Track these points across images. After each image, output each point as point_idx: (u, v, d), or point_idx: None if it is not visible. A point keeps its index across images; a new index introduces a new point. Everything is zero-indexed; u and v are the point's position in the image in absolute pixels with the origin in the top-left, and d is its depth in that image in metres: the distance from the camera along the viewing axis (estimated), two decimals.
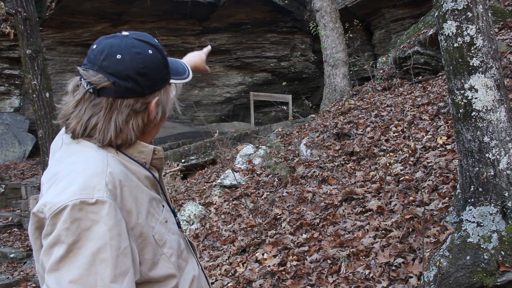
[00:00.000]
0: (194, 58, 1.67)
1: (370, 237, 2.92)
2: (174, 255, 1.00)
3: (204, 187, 5.78)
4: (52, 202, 0.84)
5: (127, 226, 0.89)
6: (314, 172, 4.43)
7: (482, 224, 2.23)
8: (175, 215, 1.13)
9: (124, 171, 0.94)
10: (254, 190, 4.75)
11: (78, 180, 0.87)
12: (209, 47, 1.76)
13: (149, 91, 0.97)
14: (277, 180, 4.75)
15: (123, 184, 0.91)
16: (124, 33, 0.99)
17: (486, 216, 2.25)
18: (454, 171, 3.22)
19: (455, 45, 2.34)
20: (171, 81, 1.04)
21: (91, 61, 0.95)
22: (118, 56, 0.93)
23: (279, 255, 3.19)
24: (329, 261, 2.87)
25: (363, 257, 2.76)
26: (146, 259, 0.94)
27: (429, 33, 6.16)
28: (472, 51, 2.30)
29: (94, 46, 0.97)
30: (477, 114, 2.32)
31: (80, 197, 0.84)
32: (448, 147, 3.68)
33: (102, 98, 0.93)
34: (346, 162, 4.49)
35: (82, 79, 0.95)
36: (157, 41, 1.02)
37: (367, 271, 2.60)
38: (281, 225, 3.70)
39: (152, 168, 1.04)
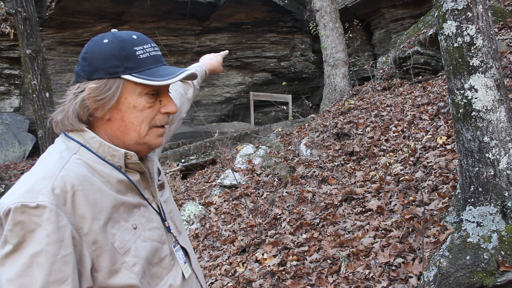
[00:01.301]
0: (211, 60, 1.67)
1: (370, 237, 2.92)
2: (140, 264, 0.96)
3: (204, 187, 5.78)
4: (2, 203, 0.86)
5: (79, 232, 0.87)
6: (314, 172, 4.43)
7: (482, 224, 2.23)
8: (164, 220, 1.09)
9: (85, 174, 0.92)
10: (254, 190, 4.75)
11: (26, 183, 0.88)
12: (226, 51, 1.79)
13: (87, 77, 0.97)
14: (277, 180, 4.75)
15: (77, 188, 0.89)
16: (113, 30, 1.03)
17: (486, 216, 2.25)
18: (454, 171, 3.22)
19: (455, 45, 2.34)
20: (127, 77, 0.96)
21: None
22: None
23: (279, 255, 3.19)
24: (329, 261, 2.87)
25: (363, 257, 2.76)
26: (103, 267, 0.91)
27: (429, 33, 6.16)
28: (472, 51, 2.30)
29: None
30: (477, 114, 2.32)
31: (22, 201, 0.84)
32: (448, 147, 3.68)
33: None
34: (346, 162, 4.49)
35: None
36: (133, 37, 0.99)
37: (367, 271, 2.60)
38: (281, 225, 3.70)
39: (131, 171, 1.01)
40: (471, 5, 2.29)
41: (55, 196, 0.86)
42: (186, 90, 1.54)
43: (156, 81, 0.96)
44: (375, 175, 3.86)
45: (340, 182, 4.06)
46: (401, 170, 3.72)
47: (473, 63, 2.30)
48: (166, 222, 1.10)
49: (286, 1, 12.93)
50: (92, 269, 0.90)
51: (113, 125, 0.99)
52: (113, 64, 0.96)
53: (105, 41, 0.97)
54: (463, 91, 2.35)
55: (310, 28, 9.74)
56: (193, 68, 1.62)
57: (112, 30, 1.02)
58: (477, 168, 2.34)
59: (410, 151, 3.93)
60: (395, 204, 3.22)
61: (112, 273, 0.92)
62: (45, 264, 0.82)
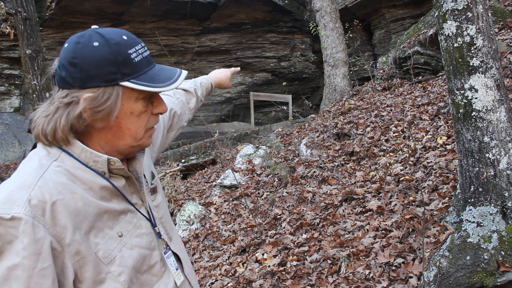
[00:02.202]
0: (219, 74, 1.66)
1: (370, 237, 2.92)
2: (126, 274, 0.92)
3: (204, 187, 5.78)
4: None
5: (61, 243, 0.84)
6: (314, 172, 4.43)
7: (482, 224, 2.23)
8: (154, 225, 1.05)
9: (65, 182, 0.88)
10: (254, 190, 4.75)
11: (2, 193, 0.84)
12: (238, 69, 1.79)
13: (80, 85, 0.89)
14: (277, 180, 4.75)
15: (56, 198, 0.85)
16: (93, 26, 0.95)
17: (486, 216, 2.25)
18: (454, 171, 3.22)
19: (455, 45, 2.34)
20: (126, 84, 0.90)
21: None
22: (65, 45, 0.92)
23: (279, 255, 3.19)
24: (329, 261, 2.87)
25: (363, 257, 2.76)
26: (87, 278, 0.88)
27: (429, 33, 6.16)
28: (472, 51, 2.30)
29: None
30: (477, 114, 2.32)
31: None
32: (448, 147, 3.68)
33: (55, 87, 0.94)
34: (346, 162, 4.49)
35: None
36: (124, 37, 0.92)
37: (367, 271, 2.60)
38: (281, 225, 3.70)
39: (116, 176, 0.97)
40: (471, 5, 2.29)
41: (32, 207, 0.82)
42: (189, 99, 1.50)
43: (159, 87, 0.92)
44: (375, 175, 3.86)
45: (340, 182, 4.06)
46: (401, 170, 3.72)
47: (473, 63, 2.30)
48: (156, 228, 1.05)
49: (286, 1, 12.93)
50: (76, 280, 0.87)
51: (108, 132, 0.95)
52: (110, 71, 0.89)
53: (96, 44, 0.89)
54: (463, 91, 2.35)
55: (310, 28, 9.75)
56: (199, 80, 1.60)
57: (94, 27, 0.94)
58: (477, 168, 2.34)
59: (410, 151, 3.93)
60: (395, 204, 3.22)
61: (96, 284, 0.89)
62: (22, 277, 0.79)
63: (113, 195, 0.96)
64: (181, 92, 1.49)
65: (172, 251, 1.09)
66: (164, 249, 1.07)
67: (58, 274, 0.84)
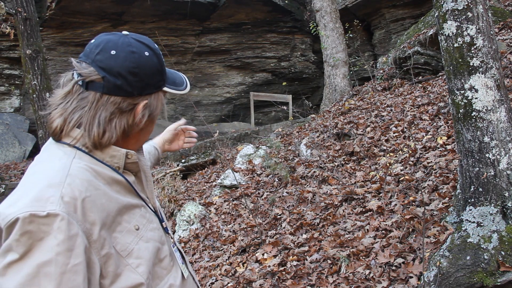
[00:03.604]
0: (161, 137, 1.56)
1: (370, 237, 2.92)
2: (144, 265, 0.95)
3: (204, 187, 5.78)
4: (4, 213, 0.82)
5: (89, 239, 0.86)
6: (314, 172, 4.43)
7: (482, 224, 2.23)
8: (162, 220, 1.09)
9: (90, 179, 0.90)
10: (254, 190, 4.75)
11: (31, 191, 0.84)
12: (183, 120, 1.60)
13: (138, 93, 0.95)
14: (277, 180, 4.75)
15: (85, 195, 0.87)
16: (125, 32, 0.99)
17: (486, 216, 2.25)
18: (454, 171, 3.22)
19: (455, 45, 2.34)
20: (165, 89, 1.01)
21: (86, 54, 0.95)
22: (113, 52, 0.93)
23: (279, 255, 3.19)
24: (329, 261, 2.87)
25: (363, 257, 2.76)
26: (109, 272, 0.90)
27: (429, 33, 6.16)
28: (472, 51, 2.30)
29: (93, 41, 0.97)
30: (477, 114, 2.31)
31: (30, 210, 0.81)
32: (448, 147, 3.68)
33: (90, 92, 0.92)
34: (346, 162, 4.49)
35: (73, 71, 0.95)
36: (156, 46, 1.01)
37: (367, 271, 2.60)
38: (281, 225, 3.70)
39: (127, 172, 1.00)
40: (471, 5, 2.29)
41: (65, 204, 0.83)
42: (155, 152, 1.53)
43: (182, 90, 1.04)
44: (375, 175, 3.86)
45: (340, 182, 4.06)
46: (401, 170, 3.72)
47: (473, 63, 2.30)
48: (164, 223, 1.09)
49: (286, 1, 12.93)
50: (99, 276, 0.88)
51: (143, 132, 1.02)
52: (159, 79, 0.99)
53: (147, 53, 0.96)
54: (463, 91, 2.35)
55: (310, 28, 9.75)
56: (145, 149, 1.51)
57: (125, 33, 0.99)
58: (477, 168, 2.34)
59: (410, 151, 3.93)
60: (395, 204, 3.22)
61: (116, 277, 0.91)
62: (54, 274, 0.79)
63: (127, 190, 0.99)
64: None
65: (177, 247, 1.14)
66: (172, 243, 1.11)
67: (86, 271, 0.86)
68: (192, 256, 3.88)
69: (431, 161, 3.58)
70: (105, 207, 0.90)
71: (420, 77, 6.30)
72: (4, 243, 0.82)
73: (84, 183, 0.88)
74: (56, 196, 0.83)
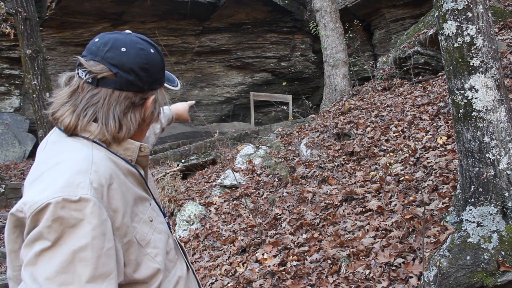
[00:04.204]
0: (179, 108, 1.79)
1: (370, 237, 2.92)
2: (161, 255, 0.99)
3: (204, 187, 5.78)
4: (33, 200, 0.81)
5: (112, 226, 0.87)
6: (314, 172, 4.43)
7: (482, 224, 2.23)
8: (164, 215, 1.12)
9: (112, 168, 0.92)
10: (254, 190, 4.75)
11: (61, 178, 0.84)
12: (193, 102, 1.93)
13: (149, 87, 0.99)
14: (277, 180, 4.75)
15: (111, 182, 0.89)
16: (127, 31, 1.02)
17: (486, 216, 2.25)
18: (454, 171, 3.22)
19: (455, 45, 2.34)
20: (165, 84, 1.07)
21: (93, 52, 0.96)
22: (123, 49, 0.95)
23: (279, 255, 3.19)
24: (329, 261, 2.86)
25: (363, 257, 2.76)
26: (131, 260, 0.92)
27: (429, 33, 6.16)
28: (472, 51, 2.30)
29: (96, 40, 0.99)
30: (477, 114, 2.31)
31: (62, 195, 0.81)
32: (448, 147, 3.68)
33: (100, 88, 0.94)
34: (346, 162, 4.49)
35: (78, 70, 0.96)
36: (156, 44, 1.06)
37: (367, 271, 2.60)
38: (281, 225, 3.70)
39: (137, 166, 1.03)
40: (471, 5, 2.29)
41: (95, 189, 0.84)
42: (155, 124, 1.56)
43: (175, 86, 1.09)
44: (375, 175, 3.86)
45: (340, 182, 4.06)
46: (401, 170, 3.72)
47: (473, 63, 2.30)
48: (166, 218, 1.13)
49: (286, 1, 12.93)
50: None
51: (148, 127, 1.07)
52: (162, 75, 1.04)
53: (152, 51, 1.01)
54: (463, 91, 2.35)
55: (310, 28, 9.75)
56: (165, 109, 1.69)
57: (128, 31, 1.03)
58: (477, 168, 2.34)
59: (410, 151, 3.93)
60: (395, 204, 3.22)
61: (137, 266, 0.93)
62: (91, 258, 0.80)
63: (139, 182, 1.02)
64: None
65: (178, 242, 1.18)
66: (174, 238, 1.15)
67: None
68: (192, 256, 3.88)
69: (431, 161, 3.58)
70: (125, 196, 0.92)
71: (420, 77, 6.30)
72: (31, 233, 0.80)
73: (108, 171, 0.90)
74: (86, 182, 0.84)
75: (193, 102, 1.91)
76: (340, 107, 6.97)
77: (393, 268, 2.56)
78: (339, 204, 3.64)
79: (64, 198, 0.81)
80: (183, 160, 7.32)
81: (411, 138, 4.20)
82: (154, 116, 1.03)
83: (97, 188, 0.85)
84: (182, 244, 1.23)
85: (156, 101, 1.02)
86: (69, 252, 0.79)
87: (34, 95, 6.03)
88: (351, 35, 9.57)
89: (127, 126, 0.96)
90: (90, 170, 0.87)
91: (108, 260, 0.82)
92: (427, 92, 5.49)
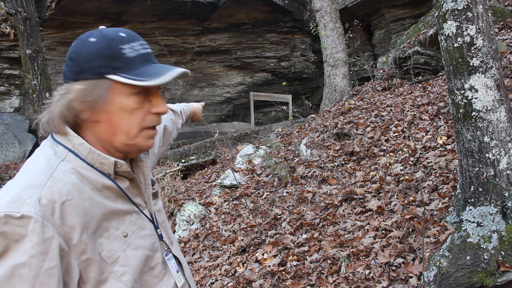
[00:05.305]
0: (196, 107, 1.77)
1: (370, 237, 2.92)
2: (129, 274, 0.93)
3: (204, 187, 5.78)
4: None
5: (68, 243, 0.84)
6: (314, 172, 4.43)
7: (482, 224, 2.23)
8: (157, 227, 1.07)
9: (75, 183, 0.89)
10: (254, 190, 4.75)
11: (11, 192, 0.84)
12: (203, 103, 1.91)
13: (73, 78, 0.93)
14: (277, 180, 4.75)
15: (66, 198, 0.86)
16: (102, 27, 0.98)
17: (486, 216, 2.25)
18: (454, 171, 3.22)
19: (455, 45, 2.34)
20: (114, 77, 0.91)
21: None
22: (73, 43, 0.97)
23: (279, 255, 3.19)
24: (329, 261, 2.87)
25: (363, 257, 2.76)
26: (91, 278, 0.88)
27: (429, 33, 6.16)
28: (472, 51, 2.30)
29: None
30: (477, 114, 2.32)
31: (6, 211, 0.80)
32: (448, 147, 3.68)
33: None
34: (346, 162, 4.49)
35: None
36: (120, 34, 0.94)
37: (367, 271, 2.60)
38: (281, 225, 3.70)
39: (120, 178, 0.98)
40: (471, 5, 2.29)
41: (42, 206, 0.82)
42: (177, 119, 1.56)
43: (143, 81, 0.90)
44: (375, 175, 3.86)
45: (340, 182, 4.06)
46: (401, 170, 3.72)
47: (473, 63, 2.30)
48: (158, 230, 1.07)
49: (286, 1, 12.93)
50: (80, 281, 0.87)
51: (101, 126, 0.95)
52: (100, 64, 0.91)
53: (92, 39, 0.92)
54: (463, 91, 2.35)
55: (310, 28, 9.75)
56: (182, 105, 1.68)
57: (100, 27, 0.98)
58: (477, 168, 2.34)
59: (410, 151, 3.93)
60: (395, 204, 3.22)
61: (99, 284, 0.89)
62: (27, 277, 0.79)
63: (118, 195, 0.97)
64: (170, 111, 1.54)
65: (173, 254, 1.11)
66: (166, 251, 1.08)
67: (63, 274, 0.84)
68: (192, 256, 3.88)
69: (431, 161, 3.58)
70: (88, 211, 0.88)
71: (420, 77, 6.30)
72: None
73: (66, 186, 0.87)
74: (33, 198, 0.82)
75: (203, 103, 1.89)
76: (340, 107, 6.97)
77: (393, 268, 2.56)
78: (339, 204, 3.64)
79: (7, 214, 0.80)
80: (183, 160, 7.32)
81: (411, 138, 4.20)
82: (83, 110, 0.93)
83: (46, 204, 0.83)
84: (181, 256, 1.16)
85: (85, 94, 0.91)
86: (9, 267, 0.79)
87: (34, 95, 6.03)
88: (351, 35, 9.57)
89: (50, 116, 0.93)
90: (43, 185, 0.85)
91: (47, 280, 0.80)
92: (427, 92, 5.49)
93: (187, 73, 0.98)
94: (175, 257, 1.11)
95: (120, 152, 0.99)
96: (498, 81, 2.31)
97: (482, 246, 2.13)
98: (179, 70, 0.95)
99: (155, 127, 1.01)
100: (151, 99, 0.97)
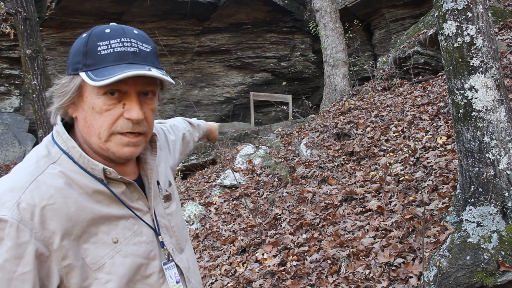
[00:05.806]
0: (213, 127, 1.78)
1: (370, 237, 2.92)
2: (114, 282, 0.90)
3: (204, 187, 5.78)
4: None
5: (49, 248, 0.83)
6: (314, 172, 4.43)
7: (482, 224, 2.23)
8: (158, 234, 1.02)
9: (60, 187, 0.87)
10: (254, 190, 4.75)
11: None
12: (219, 124, 1.90)
13: (69, 71, 0.92)
14: (277, 180, 4.75)
15: (47, 202, 0.84)
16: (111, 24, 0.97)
17: (486, 216, 2.25)
18: (454, 171, 3.22)
19: (455, 45, 2.34)
20: (81, 74, 0.88)
21: None
22: None
23: (279, 255, 3.19)
24: (329, 261, 2.86)
25: (363, 257, 2.76)
26: (73, 283, 0.86)
27: (429, 33, 6.16)
28: (472, 51, 2.30)
29: None
30: (477, 114, 2.31)
31: None
32: (448, 147, 3.68)
33: None
34: (346, 162, 4.49)
35: None
36: (105, 30, 0.90)
37: (367, 271, 2.60)
38: (281, 225, 3.70)
39: (115, 182, 0.95)
40: (471, 5, 2.29)
41: (20, 210, 0.81)
42: (194, 132, 1.58)
43: (95, 81, 0.85)
44: (375, 175, 3.86)
45: (340, 182, 4.06)
46: (401, 170, 3.72)
47: (473, 63, 2.30)
48: (160, 237, 1.02)
49: (286, 1, 12.93)
50: (61, 286, 0.86)
51: (80, 125, 0.93)
52: (77, 60, 0.89)
53: (83, 35, 0.91)
54: (463, 91, 2.35)
55: (310, 28, 9.75)
56: (199, 121, 1.70)
57: (111, 23, 0.95)
58: (477, 168, 2.34)
59: (410, 151, 3.93)
60: (395, 204, 3.22)
61: None
62: (2, 279, 0.78)
63: (112, 200, 0.94)
64: (188, 124, 1.57)
65: (176, 264, 1.05)
66: (165, 260, 1.03)
67: (43, 278, 0.83)
68: None
69: (431, 161, 3.58)
70: (72, 216, 0.86)
71: (420, 77, 6.30)
72: None
73: (50, 190, 0.85)
74: (12, 201, 0.82)
75: (220, 124, 1.90)
76: (340, 107, 6.97)
77: (393, 268, 2.56)
78: (339, 204, 3.64)
79: None
80: (183, 160, 7.33)
81: (411, 138, 4.20)
82: (65, 103, 0.91)
83: (26, 208, 0.82)
84: (188, 265, 1.10)
85: (63, 87, 0.91)
86: None
87: (34, 95, 6.03)
88: (351, 35, 9.57)
89: (55, 110, 0.94)
90: (25, 188, 0.84)
91: (20, 285, 0.80)
92: (427, 92, 5.49)
93: (146, 74, 0.87)
94: (178, 267, 1.05)
95: (101, 156, 0.95)
96: (498, 81, 2.31)
97: (482, 246, 2.13)
98: (133, 73, 0.85)
99: (130, 134, 0.92)
100: (126, 103, 0.91)
